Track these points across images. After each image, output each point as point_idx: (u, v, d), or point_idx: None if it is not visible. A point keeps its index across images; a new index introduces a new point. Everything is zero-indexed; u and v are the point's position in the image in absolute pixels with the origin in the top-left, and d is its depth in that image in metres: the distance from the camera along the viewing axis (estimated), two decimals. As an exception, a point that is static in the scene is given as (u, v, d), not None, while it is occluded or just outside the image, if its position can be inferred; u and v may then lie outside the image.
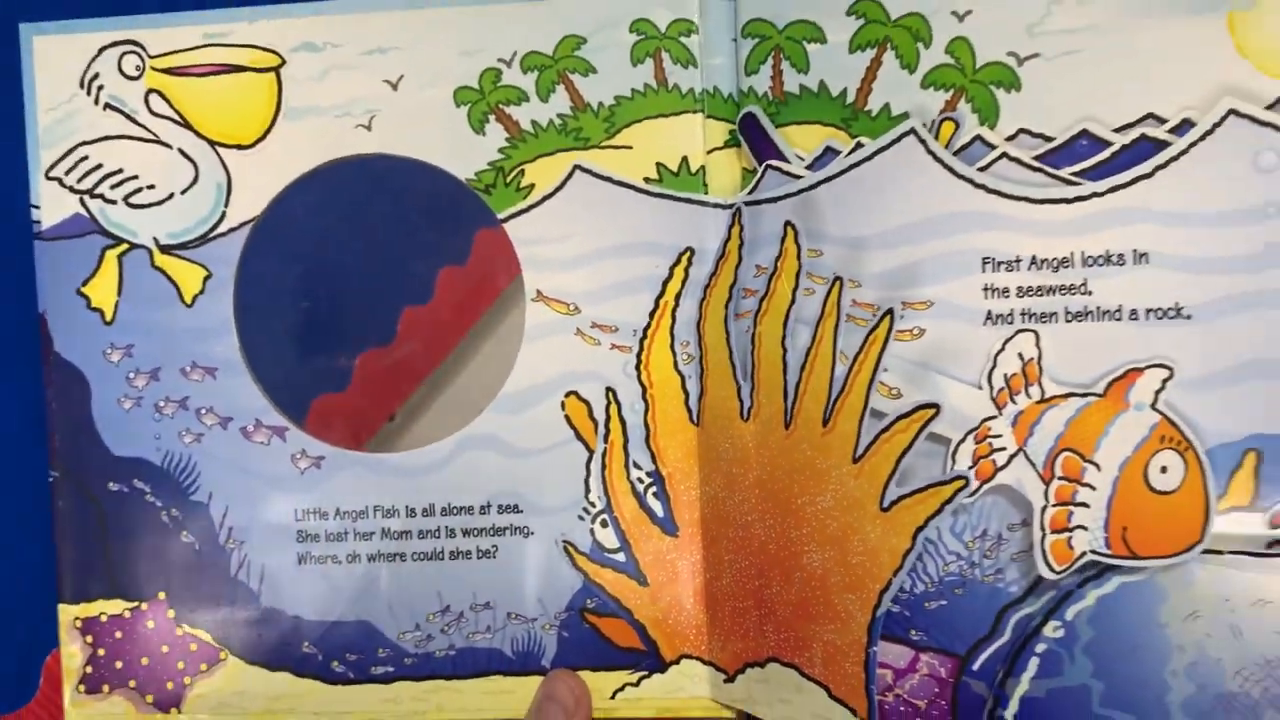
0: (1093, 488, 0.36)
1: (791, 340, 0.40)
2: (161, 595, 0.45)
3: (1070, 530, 0.36)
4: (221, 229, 0.45)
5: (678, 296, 0.44)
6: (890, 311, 0.36)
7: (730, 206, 0.43)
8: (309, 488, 0.44)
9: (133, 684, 0.46)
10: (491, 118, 0.45)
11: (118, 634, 0.46)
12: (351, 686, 0.44)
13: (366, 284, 0.45)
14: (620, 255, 0.45)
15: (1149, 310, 0.36)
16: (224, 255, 0.45)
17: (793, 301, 0.39)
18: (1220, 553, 0.35)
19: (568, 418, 0.44)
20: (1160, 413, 0.35)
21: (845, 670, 0.38)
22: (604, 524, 0.45)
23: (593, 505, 0.45)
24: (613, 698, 0.45)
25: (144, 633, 0.46)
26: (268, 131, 0.45)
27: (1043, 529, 0.37)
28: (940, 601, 0.39)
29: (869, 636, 0.37)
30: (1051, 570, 0.36)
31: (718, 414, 0.43)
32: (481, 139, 0.45)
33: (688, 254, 0.44)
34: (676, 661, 0.45)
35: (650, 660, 0.45)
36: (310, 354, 0.45)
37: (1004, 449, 0.37)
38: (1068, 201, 0.37)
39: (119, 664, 0.46)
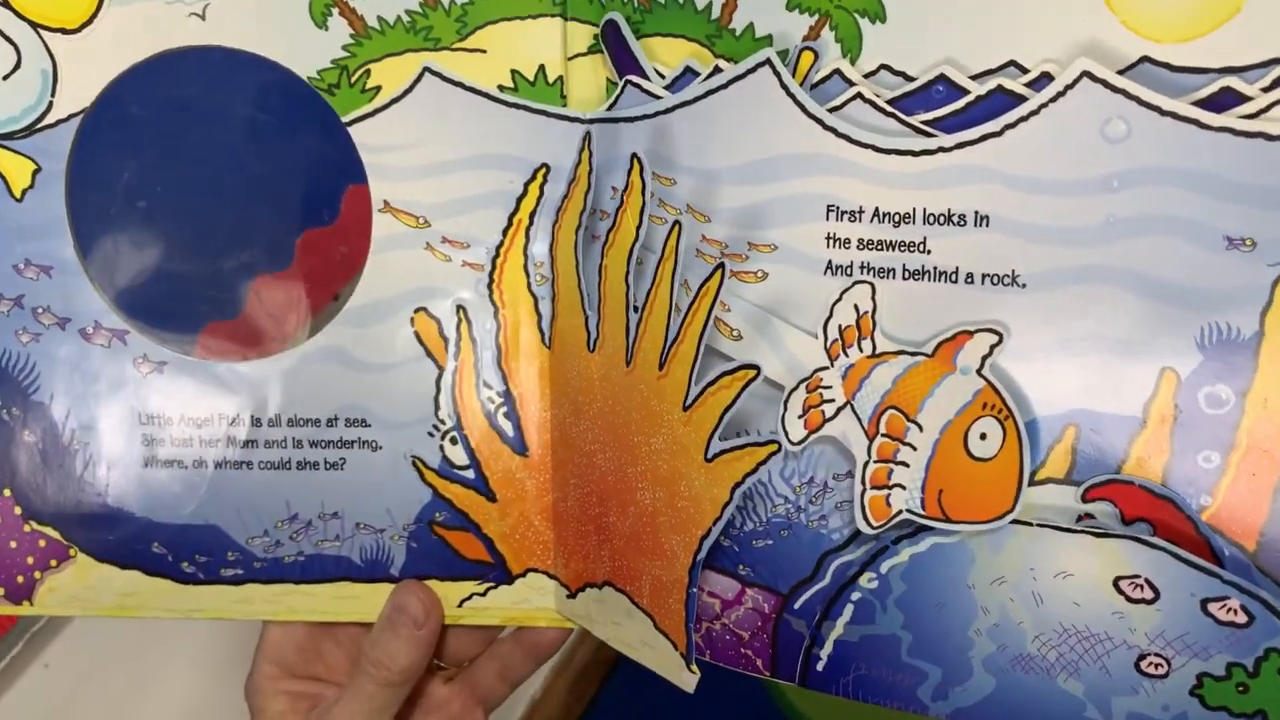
0: (914, 448, 0.36)
1: (635, 276, 0.38)
2: (7, 492, 0.45)
3: (889, 488, 0.36)
4: (49, 120, 0.43)
5: (532, 215, 0.43)
6: (722, 265, 0.35)
7: (590, 122, 0.41)
8: (151, 392, 0.43)
9: (-18, 575, 0.46)
10: (335, 11, 0.42)
11: (-37, 527, 0.45)
12: (202, 587, 0.44)
13: (207, 186, 0.43)
14: (472, 168, 0.43)
15: (985, 275, 0.35)
16: (53, 148, 0.43)
17: (636, 237, 0.38)
18: (1030, 524, 0.35)
19: (417, 334, 0.43)
20: (985, 378, 0.35)
21: (669, 605, 0.39)
22: (453, 441, 0.44)
23: (442, 423, 0.44)
24: (460, 606, 0.45)
25: (-10, 527, 0.45)
26: (95, 15, 0.42)
27: (863, 484, 0.36)
28: (767, 541, 0.40)
29: (690, 578, 0.38)
30: (869, 525, 0.37)
31: (567, 341, 0.42)
32: (324, 34, 0.42)
33: (543, 170, 0.42)
34: (523, 575, 0.45)
35: (497, 572, 0.45)
36: (150, 257, 0.44)
37: (833, 401, 0.37)
38: (914, 154, 0.35)
39: (-34, 557, 0.46)
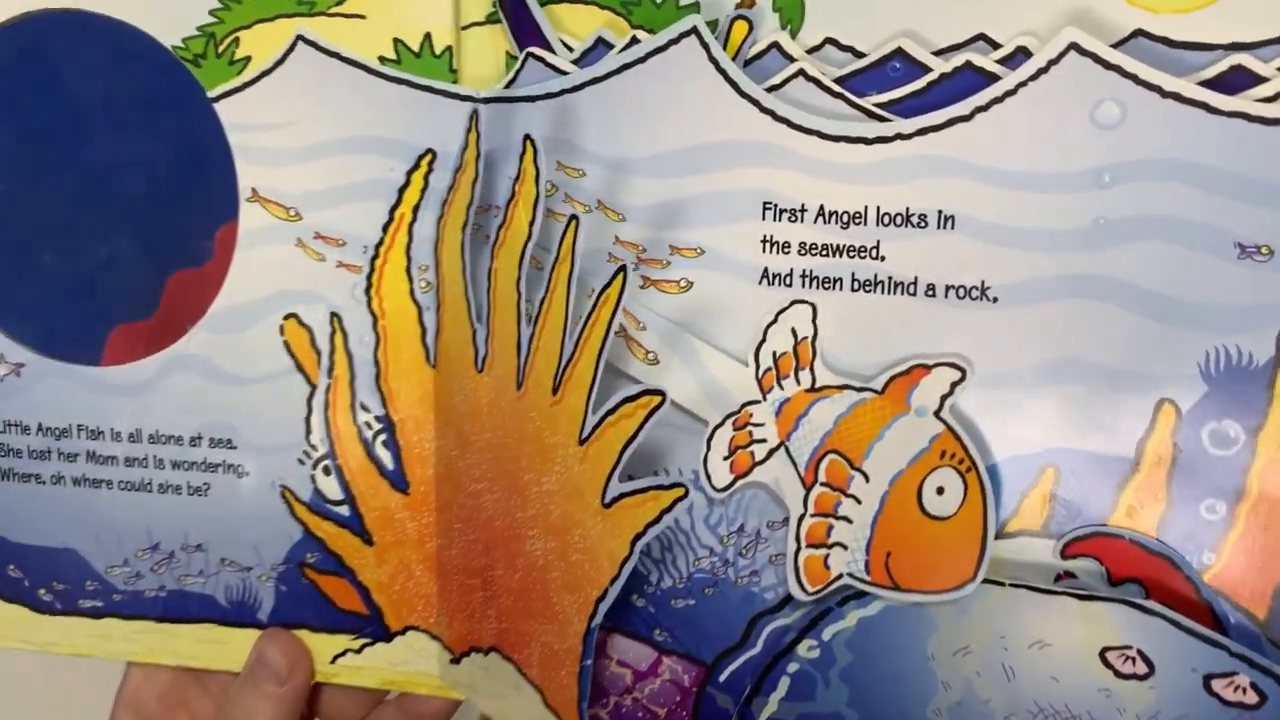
0: (858, 500, 0.30)
1: (529, 283, 0.32)
2: None
3: (828, 547, 0.30)
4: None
5: (416, 209, 0.36)
6: (624, 268, 0.29)
7: (480, 101, 0.34)
8: (7, 396, 0.38)
9: None
10: (201, -32, 0.35)
11: None
12: (60, 618, 0.39)
13: (61, 167, 0.38)
14: (349, 152, 0.37)
15: (949, 287, 0.29)
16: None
17: (530, 236, 0.31)
18: (1001, 583, 0.29)
19: (287, 344, 0.37)
20: (944, 422, 0.29)
21: (559, 679, 0.32)
22: (326, 471, 0.38)
23: (314, 449, 0.38)
24: (333, 663, 0.39)
25: None
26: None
27: (798, 541, 0.30)
28: (688, 600, 0.34)
29: (584, 648, 0.31)
30: (804, 590, 0.31)
31: (453, 358, 0.35)
32: (191, -4, 0.36)
33: (428, 157, 0.36)
34: (403, 632, 0.39)
35: (374, 627, 0.39)
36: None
37: (764, 441, 0.31)
38: (866, 143, 0.30)
39: None
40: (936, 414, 0.29)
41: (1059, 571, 0.29)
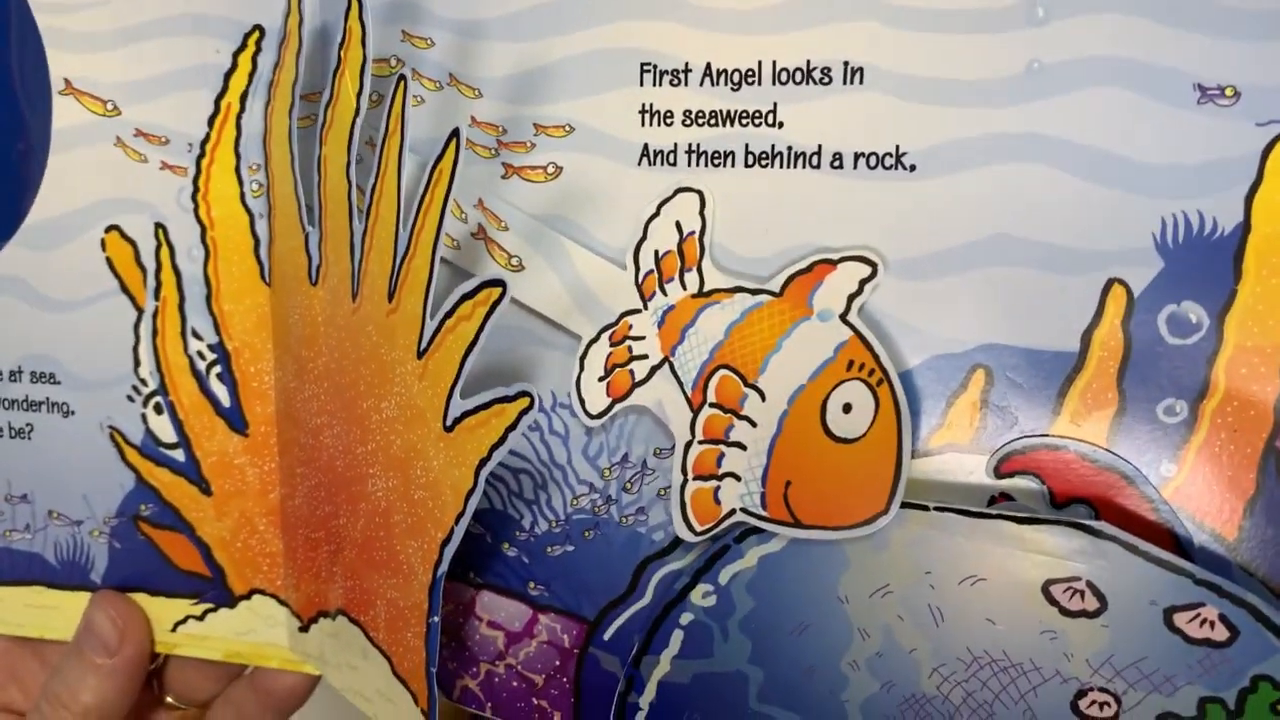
0: (752, 423, 0.25)
1: (360, 171, 0.26)
2: None
3: (719, 479, 0.25)
4: None
5: (244, 98, 0.31)
6: (456, 134, 0.23)
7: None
8: None
9: None
10: None
11: None
12: None
13: None
14: (168, 32, 0.32)
15: (859, 156, 0.24)
16: None
17: (358, 110, 0.26)
18: (925, 507, 0.24)
19: (109, 261, 0.33)
20: (852, 327, 0.24)
21: (406, 641, 0.27)
22: (158, 410, 0.34)
23: (144, 384, 0.33)
24: (174, 631, 0.34)
25: None
26: None
27: (684, 472, 0.25)
28: (566, 547, 0.29)
29: (430, 602, 0.25)
30: (690, 530, 0.26)
31: (286, 272, 0.30)
32: None
33: (255, 35, 0.30)
34: (248, 596, 0.34)
35: (216, 591, 0.34)
36: None
37: (645, 357, 0.26)
38: (755, -20, 0.24)
39: None
40: (843, 317, 0.24)
41: (993, 493, 0.25)
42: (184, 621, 0.34)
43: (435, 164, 0.24)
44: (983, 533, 0.24)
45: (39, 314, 0.33)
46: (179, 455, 0.33)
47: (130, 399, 0.34)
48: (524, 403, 0.23)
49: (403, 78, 0.25)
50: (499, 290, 0.23)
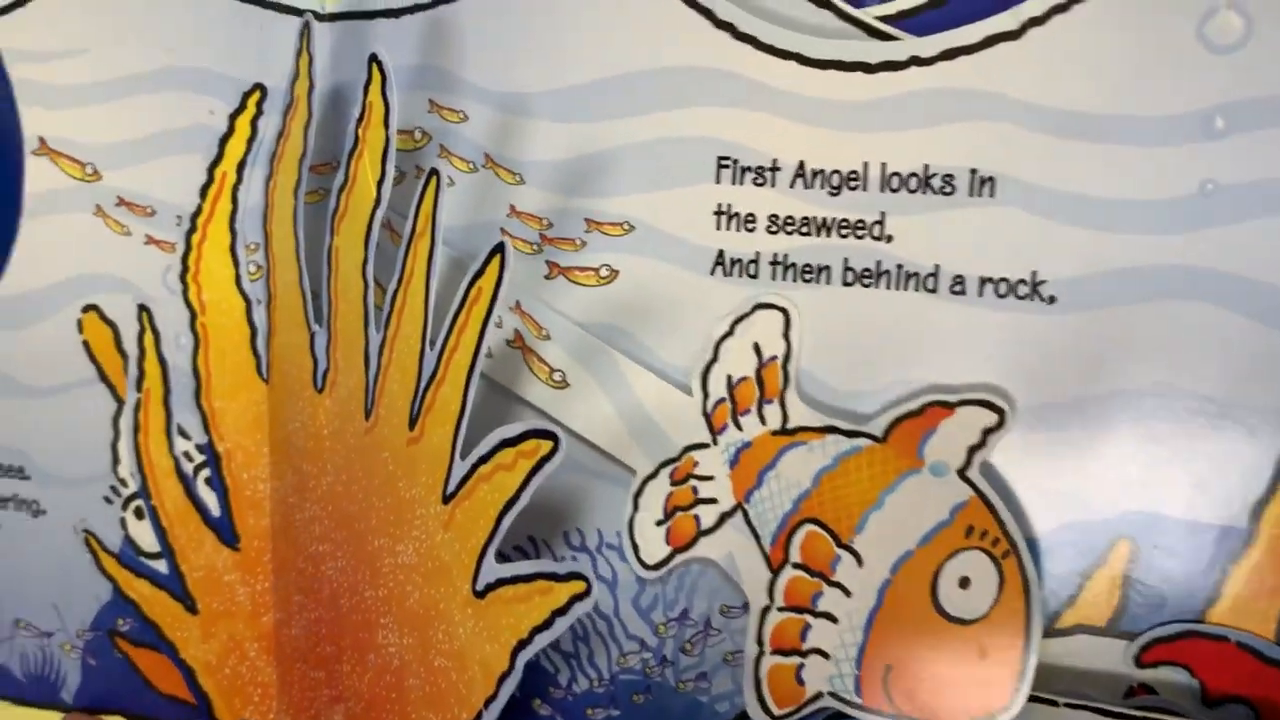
0: (846, 592, 0.21)
1: (377, 268, 0.22)
2: None
3: (803, 655, 0.21)
4: None
5: (241, 166, 0.27)
6: (502, 247, 0.19)
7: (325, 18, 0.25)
8: None
9: None
10: None
11: None
12: None
13: None
14: (156, 88, 0.29)
15: (985, 280, 0.21)
16: None
17: (378, 201, 0.21)
18: (1054, 703, 0.20)
19: (86, 344, 0.30)
20: (972, 485, 0.20)
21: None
22: (139, 514, 0.30)
23: (123, 484, 0.30)
24: None
25: None
26: None
27: (760, 644, 0.21)
28: (611, 711, 0.25)
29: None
30: (766, 713, 0.21)
31: (288, 371, 0.26)
32: None
33: (256, 95, 0.26)
34: None
35: None
36: None
37: (714, 501, 0.22)
38: (867, 69, 0.20)
39: None
40: (961, 473, 0.20)
41: (1132, 684, 0.21)
42: (162, 754, 0.30)
43: (474, 279, 0.20)
44: (1120, 736, 0.20)
45: (8, 400, 0.30)
46: (162, 567, 0.30)
47: (108, 500, 0.30)
48: (576, 587, 0.19)
49: (435, 172, 0.21)
50: (550, 445, 0.19)
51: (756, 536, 0.22)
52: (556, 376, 0.24)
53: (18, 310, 0.30)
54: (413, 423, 0.22)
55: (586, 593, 0.19)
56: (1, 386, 0.30)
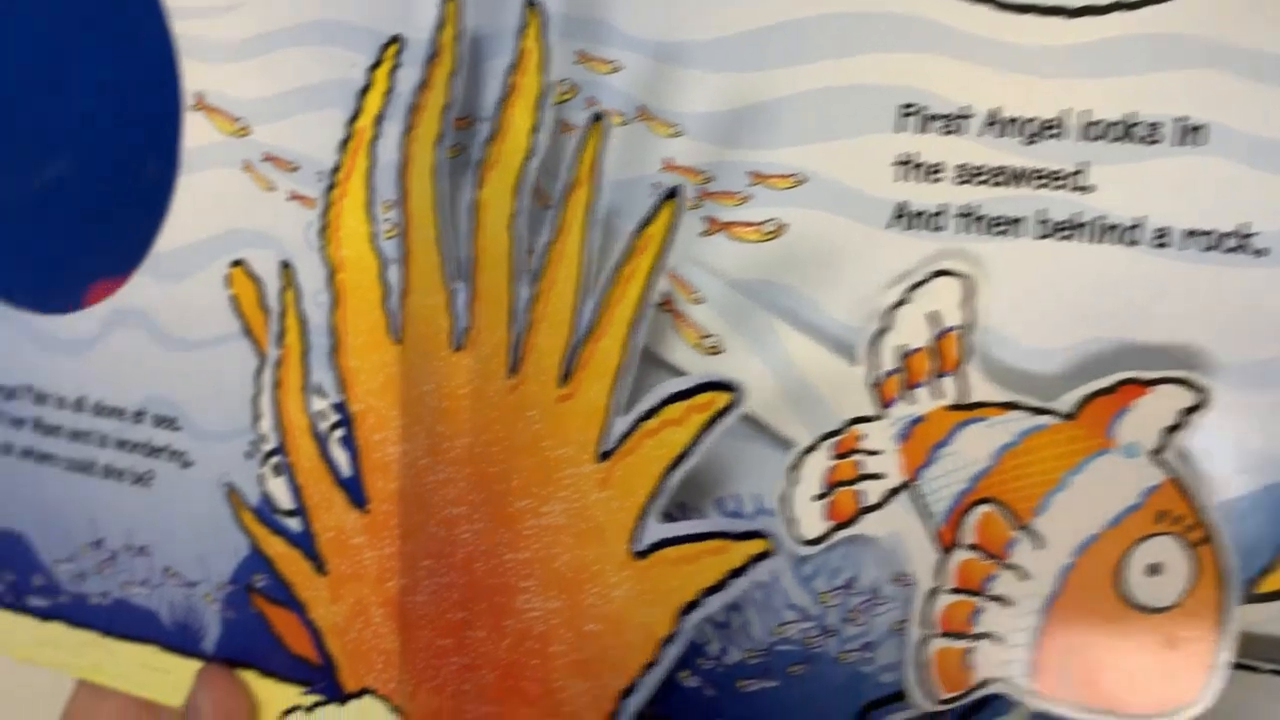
0: (1024, 575, 0.19)
1: (529, 224, 0.21)
2: None
3: (973, 638, 0.20)
4: None
5: (378, 120, 0.26)
6: (674, 194, 0.18)
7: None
8: None
9: None
10: None
11: None
12: (8, 614, 0.34)
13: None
14: (300, 41, 0.28)
15: (1190, 233, 0.19)
16: None
17: (529, 153, 0.21)
18: (1255, 667, 0.19)
19: (234, 299, 0.30)
20: (1167, 468, 0.19)
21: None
22: (277, 470, 0.30)
23: (263, 440, 0.30)
24: (285, 717, 0.31)
25: None
26: None
27: (927, 625, 0.20)
28: (766, 683, 0.23)
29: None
30: (930, 697, 0.20)
31: (422, 331, 0.26)
32: None
33: (394, 48, 0.26)
34: (359, 695, 0.30)
35: (326, 683, 0.30)
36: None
37: (881, 477, 0.21)
38: (1067, 14, 0.19)
39: None
40: (1155, 455, 0.19)
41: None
42: (292, 711, 0.31)
43: (643, 226, 0.19)
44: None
45: (161, 351, 0.31)
46: (295, 524, 0.30)
47: (248, 455, 0.30)
48: (759, 545, 0.18)
49: (599, 116, 0.20)
50: (729, 397, 0.18)
51: (927, 515, 0.21)
52: (708, 342, 0.23)
53: (174, 264, 0.30)
54: (564, 378, 0.21)
55: (770, 552, 0.18)
56: (158, 339, 0.31)
